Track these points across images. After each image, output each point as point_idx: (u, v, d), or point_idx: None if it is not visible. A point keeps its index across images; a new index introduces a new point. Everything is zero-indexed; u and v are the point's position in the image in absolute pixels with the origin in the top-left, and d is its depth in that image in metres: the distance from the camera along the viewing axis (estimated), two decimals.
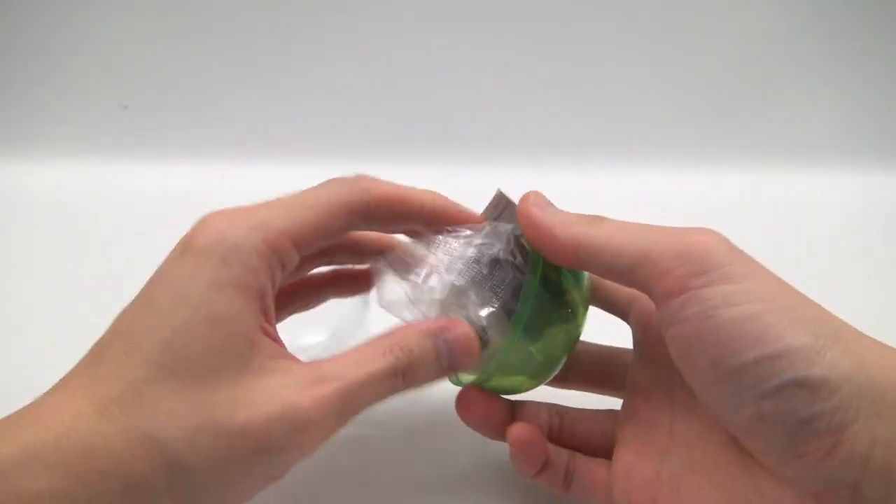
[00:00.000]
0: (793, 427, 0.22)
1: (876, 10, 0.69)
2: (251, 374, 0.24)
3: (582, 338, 0.32)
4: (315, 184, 0.29)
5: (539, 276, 0.28)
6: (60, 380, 0.25)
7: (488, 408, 0.31)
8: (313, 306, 0.36)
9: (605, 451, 0.32)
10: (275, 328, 0.27)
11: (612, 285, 0.33)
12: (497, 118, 0.71)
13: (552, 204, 0.29)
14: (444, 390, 0.35)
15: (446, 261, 0.28)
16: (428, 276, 0.28)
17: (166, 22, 0.68)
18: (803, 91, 0.71)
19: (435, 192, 0.31)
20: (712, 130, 0.72)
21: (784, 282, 0.24)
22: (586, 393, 0.35)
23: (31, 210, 0.63)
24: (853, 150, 0.71)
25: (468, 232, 0.29)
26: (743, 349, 0.23)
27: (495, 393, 0.32)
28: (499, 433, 0.31)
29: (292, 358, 0.26)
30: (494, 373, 0.30)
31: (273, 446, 0.24)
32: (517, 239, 0.30)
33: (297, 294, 0.35)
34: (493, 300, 0.28)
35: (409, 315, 0.29)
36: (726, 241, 0.25)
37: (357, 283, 0.36)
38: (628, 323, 0.33)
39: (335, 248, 0.34)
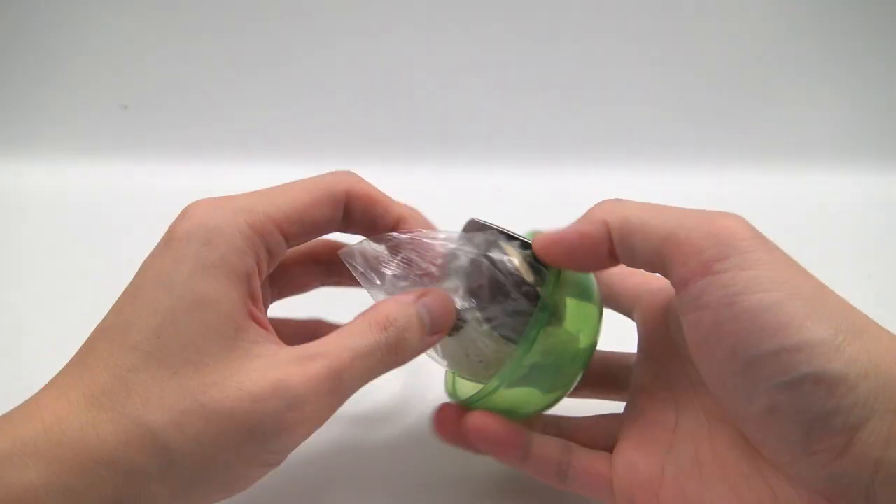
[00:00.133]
0: (807, 423, 0.22)
1: (876, 10, 0.69)
2: (237, 357, 0.24)
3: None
4: None
5: (551, 290, 0.28)
6: (54, 377, 0.25)
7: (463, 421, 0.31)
8: (302, 291, 0.35)
9: (607, 450, 0.31)
10: (263, 312, 0.27)
11: (618, 283, 0.33)
12: (497, 118, 0.71)
13: None
14: (443, 390, 0.35)
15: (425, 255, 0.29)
16: (402, 272, 0.29)
17: (166, 22, 0.68)
18: (803, 91, 0.71)
19: (414, 209, 0.31)
20: (712, 130, 0.72)
21: (807, 271, 0.24)
22: (587, 400, 0.35)
23: (31, 210, 0.63)
24: (853, 150, 0.71)
25: (444, 235, 0.30)
26: (762, 339, 0.22)
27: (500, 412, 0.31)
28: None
29: (278, 342, 0.26)
30: (499, 385, 0.29)
31: (265, 427, 0.23)
32: (492, 245, 0.29)
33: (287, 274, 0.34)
34: (473, 299, 0.28)
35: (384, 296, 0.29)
36: (752, 228, 0.25)
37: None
38: (633, 319, 0.33)
39: (325, 254, 0.34)
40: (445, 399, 0.35)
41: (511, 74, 0.70)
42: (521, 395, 0.30)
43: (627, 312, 0.33)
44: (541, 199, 0.64)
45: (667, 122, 0.72)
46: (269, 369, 0.24)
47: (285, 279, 0.33)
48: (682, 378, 0.29)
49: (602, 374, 0.34)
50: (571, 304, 0.30)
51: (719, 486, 0.26)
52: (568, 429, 0.32)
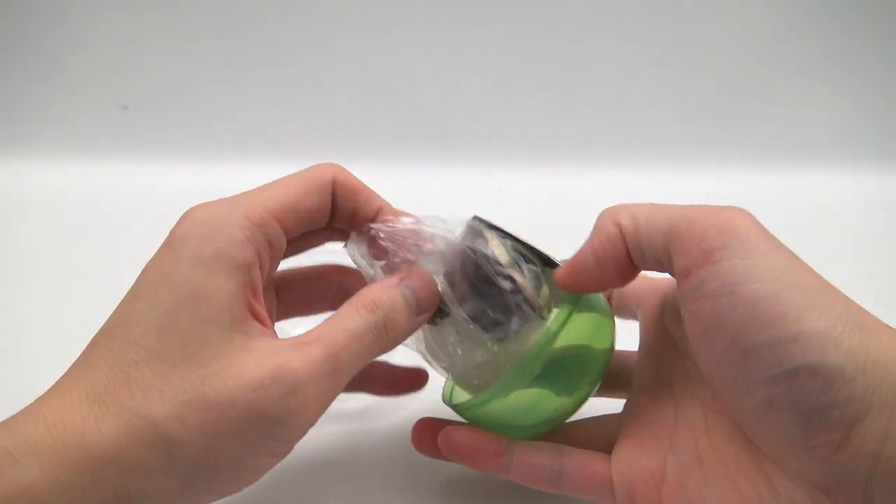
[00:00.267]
0: (803, 415, 0.22)
1: (876, 10, 0.69)
2: (236, 348, 0.24)
3: None
4: None
5: (569, 312, 0.28)
6: (58, 379, 0.25)
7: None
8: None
9: (604, 451, 0.31)
10: (263, 307, 0.27)
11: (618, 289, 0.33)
12: (497, 118, 0.71)
13: None
14: (440, 389, 0.35)
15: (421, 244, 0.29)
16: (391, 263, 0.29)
17: (166, 22, 0.68)
18: (803, 91, 0.71)
19: (396, 209, 0.31)
20: (712, 130, 0.72)
21: (808, 265, 0.24)
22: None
23: (31, 210, 0.63)
24: (853, 150, 0.71)
25: (427, 222, 0.30)
26: (759, 329, 0.22)
27: (493, 427, 0.31)
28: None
29: (274, 335, 0.26)
30: (497, 393, 0.28)
31: (268, 414, 0.23)
32: (476, 235, 0.29)
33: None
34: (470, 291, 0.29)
35: None
36: (756, 220, 0.25)
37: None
38: (636, 319, 0.33)
39: (334, 274, 0.34)
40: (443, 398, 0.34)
41: (511, 74, 0.70)
42: (530, 399, 0.29)
43: (632, 315, 0.33)
44: (541, 199, 0.64)
45: (667, 122, 0.72)
46: (268, 357, 0.24)
47: (294, 294, 0.34)
48: (680, 374, 0.29)
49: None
50: (586, 316, 0.30)
51: (719, 482, 0.26)
52: (563, 433, 0.32)
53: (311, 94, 0.70)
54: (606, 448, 0.31)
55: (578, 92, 0.71)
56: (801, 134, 0.72)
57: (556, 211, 0.58)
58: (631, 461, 0.29)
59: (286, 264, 0.32)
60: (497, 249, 0.28)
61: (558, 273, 0.29)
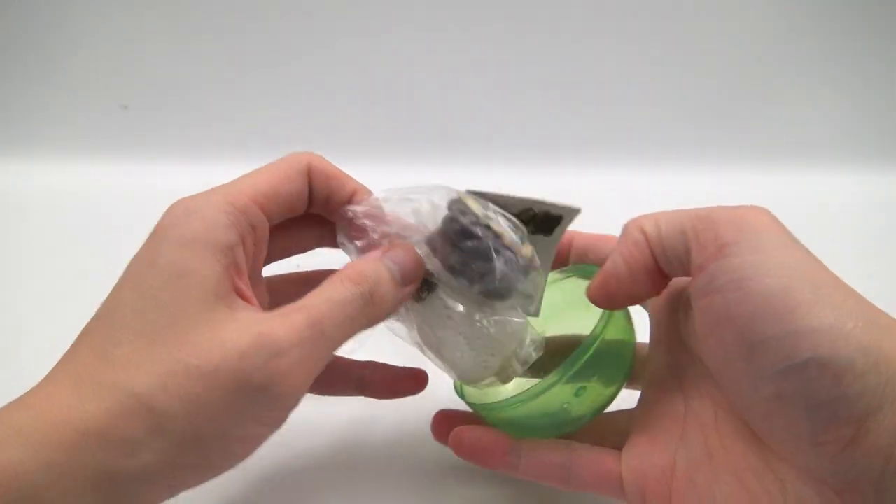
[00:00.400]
0: (812, 410, 0.22)
1: (876, 10, 0.69)
2: (219, 320, 0.24)
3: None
4: None
5: (606, 322, 0.29)
6: (48, 372, 0.25)
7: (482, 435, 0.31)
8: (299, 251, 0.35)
9: (615, 447, 0.31)
10: (249, 287, 0.27)
11: None
12: (497, 118, 0.71)
13: None
14: (441, 391, 0.35)
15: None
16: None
17: (166, 22, 0.68)
18: (803, 91, 0.71)
19: (370, 190, 0.31)
20: (712, 130, 0.72)
21: (819, 260, 0.24)
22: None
23: (31, 210, 0.63)
24: (853, 150, 0.71)
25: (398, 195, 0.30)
26: (768, 323, 0.22)
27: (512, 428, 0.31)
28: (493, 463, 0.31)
29: (258, 309, 0.26)
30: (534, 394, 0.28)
31: (253, 380, 0.23)
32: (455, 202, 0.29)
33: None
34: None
35: None
36: (773, 217, 0.25)
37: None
38: (647, 310, 0.33)
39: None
40: (446, 398, 0.34)
41: (511, 74, 0.70)
42: (563, 398, 0.29)
43: (643, 304, 0.33)
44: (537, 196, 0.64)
45: (667, 122, 0.72)
46: (251, 326, 0.24)
47: (286, 300, 0.34)
48: (690, 370, 0.29)
49: None
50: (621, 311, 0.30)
51: (728, 478, 0.26)
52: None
53: (311, 94, 0.70)
54: (618, 443, 0.31)
55: (578, 92, 0.71)
56: (801, 134, 0.72)
57: None
58: (642, 457, 0.29)
59: (277, 270, 0.32)
60: (473, 205, 0.29)
61: (591, 287, 0.29)
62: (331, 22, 0.68)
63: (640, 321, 0.33)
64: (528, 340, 0.30)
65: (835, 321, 0.22)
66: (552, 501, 0.35)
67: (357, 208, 0.30)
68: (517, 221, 0.29)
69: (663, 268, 0.28)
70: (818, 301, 0.22)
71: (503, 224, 0.28)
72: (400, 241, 0.29)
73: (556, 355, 0.30)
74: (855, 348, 0.21)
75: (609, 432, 0.32)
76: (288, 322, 0.25)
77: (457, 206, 0.28)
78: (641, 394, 0.32)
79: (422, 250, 0.29)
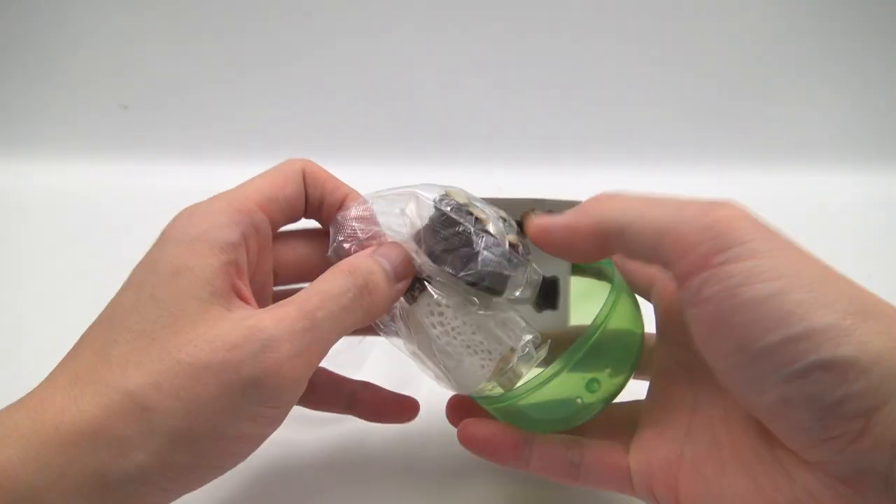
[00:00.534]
0: (819, 411, 0.21)
1: (876, 10, 0.69)
2: (213, 317, 0.24)
3: None
4: None
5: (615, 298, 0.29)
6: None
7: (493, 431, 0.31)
8: None
9: (624, 437, 0.31)
10: (248, 289, 0.27)
11: (632, 265, 0.33)
12: (497, 118, 0.71)
13: (554, 215, 0.29)
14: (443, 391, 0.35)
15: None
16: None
17: (166, 22, 0.68)
18: (803, 91, 0.71)
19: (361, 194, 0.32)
20: (712, 130, 0.72)
21: (811, 256, 0.23)
22: None
23: (31, 210, 0.63)
24: (853, 150, 0.71)
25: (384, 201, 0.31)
26: (766, 331, 0.22)
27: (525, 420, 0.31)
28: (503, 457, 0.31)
29: (255, 308, 0.26)
30: (541, 382, 0.28)
31: (244, 373, 0.23)
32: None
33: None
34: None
35: None
36: (751, 216, 0.24)
37: None
38: (650, 302, 0.33)
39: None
40: (447, 395, 0.34)
41: (511, 74, 0.70)
42: (570, 388, 0.29)
43: (645, 295, 0.33)
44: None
45: (667, 122, 0.72)
46: (243, 321, 0.24)
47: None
48: (697, 360, 0.29)
49: None
50: (627, 299, 0.30)
51: (736, 470, 0.25)
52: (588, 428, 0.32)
53: (312, 94, 0.70)
54: (625, 434, 0.31)
55: (578, 92, 0.71)
56: (801, 134, 0.72)
57: None
58: (650, 449, 0.29)
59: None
60: (458, 197, 0.29)
61: (532, 222, 0.29)
62: (331, 22, 0.68)
63: (648, 310, 0.33)
64: (526, 338, 0.29)
65: (833, 320, 0.21)
66: (555, 498, 0.35)
67: (346, 213, 0.30)
68: (506, 215, 0.29)
69: (615, 252, 0.27)
70: (814, 301, 0.22)
71: (487, 212, 0.29)
72: (389, 241, 0.29)
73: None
74: (857, 344, 0.21)
75: (617, 422, 0.32)
76: (279, 314, 0.25)
77: (443, 199, 0.29)
78: (650, 385, 0.32)
79: (410, 247, 0.29)
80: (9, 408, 0.23)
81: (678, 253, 0.24)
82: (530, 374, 0.30)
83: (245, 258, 0.27)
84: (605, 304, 0.29)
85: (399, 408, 0.35)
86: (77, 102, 0.69)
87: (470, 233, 0.28)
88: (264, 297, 0.30)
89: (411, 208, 0.29)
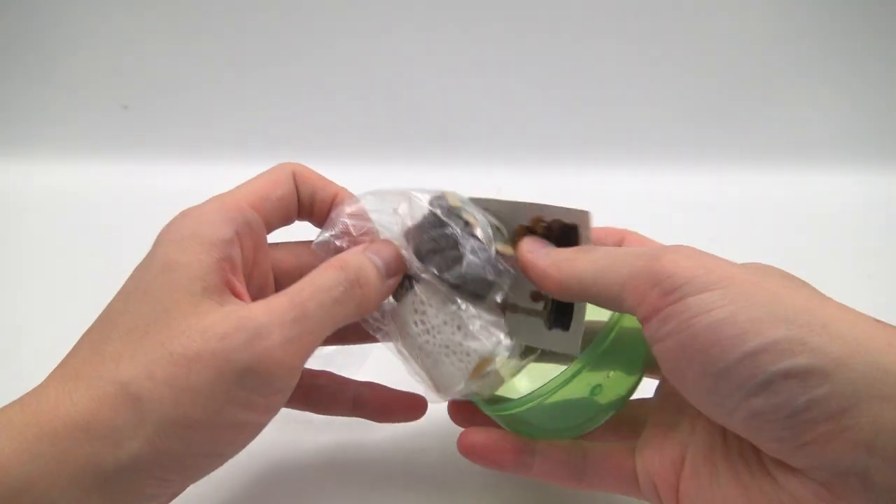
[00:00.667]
0: (788, 419, 0.22)
1: (876, 10, 0.69)
2: (205, 310, 0.24)
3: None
4: None
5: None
6: None
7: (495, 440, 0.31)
8: None
9: (632, 435, 0.31)
10: (243, 285, 0.27)
11: None
12: (497, 118, 0.71)
13: (546, 244, 0.29)
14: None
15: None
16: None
17: (166, 22, 0.68)
18: (803, 91, 0.71)
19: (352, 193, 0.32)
20: (712, 130, 0.72)
21: (762, 281, 0.24)
22: None
23: (31, 210, 0.63)
24: (853, 150, 0.71)
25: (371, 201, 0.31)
26: (724, 351, 0.23)
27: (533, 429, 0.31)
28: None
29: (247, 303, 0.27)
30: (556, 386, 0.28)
31: (234, 362, 0.24)
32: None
33: None
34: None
35: None
36: (698, 255, 0.25)
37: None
38: None
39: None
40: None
41: (511, 74, 0.70)
42: (584, 391, 0.29)
43: None
44: (541, 199, 0.63)
45: (667, 122, 0.72)
46: (234, 312, 0.25)
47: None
48: None
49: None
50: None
51: (726, 472, 0.26)
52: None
53: (312, 94, 0.70)
54: (632, 433, 0.31)
55: (578, 92, 0.71)
56: (801, 134, 0.72)
57: None
58: (656, 449, 0.29)
59: None
60: (452, 199, 0.29)
61: (521, 249, 0.29)
62: (330, 22, 0.68)
63: None
64: (504, 342, 0.29)
65: (786, 331, 0.22)
66: (555, 498, 0.35)
67: (341, 210, 0.31)
68: (500, 224, 0.30)
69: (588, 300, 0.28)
70: (766, 317, 0.22)
71: (478, 217, 0.29)
72: (381, 238, 0.30)
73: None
74: (814, 352, 0.22)
75: (624, 421, 0.32)
76: (270, 305, 0.25)
77: (437, 200, 0.29)
78: (659, 383, 0.32)
79: (401, 244, 0.29)
80: (4, 406, 0.24)
81: (636, 300, 0.25)
82: (537, 377, 0.30)
83: (239, 254, 0.27)
84: None
85: (406, 405, 0.35)
86: (77, 102, 0.69)
87: (457, 235, 0.28)
88: (263, 295, 0.31)
89: (404, 208, 0.30)
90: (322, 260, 0.28)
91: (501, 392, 0.31)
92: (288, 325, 0.25)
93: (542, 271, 0.28)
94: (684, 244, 0.26)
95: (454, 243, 0.28)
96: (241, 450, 0.26)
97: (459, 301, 0.29)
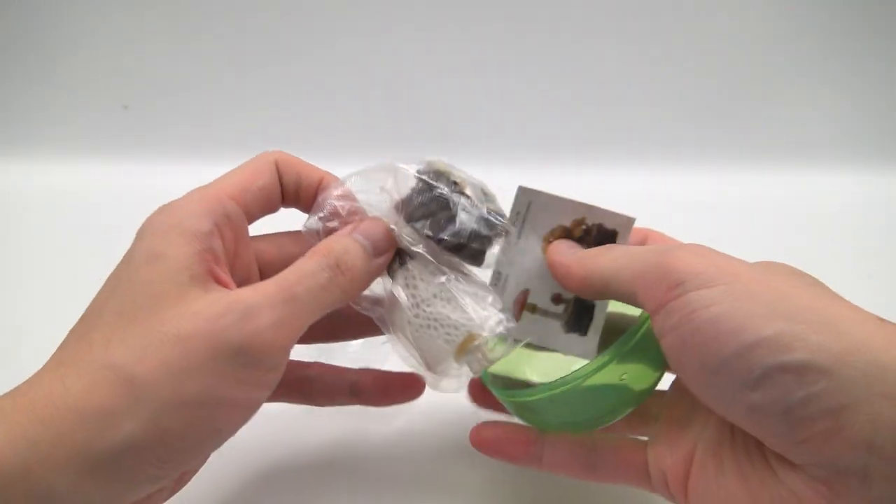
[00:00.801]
0: (785, 413, 0.22)
1: (876, 10, 0.69)
2: (194, 297, 0.25)
3: None
4: None
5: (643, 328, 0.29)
6: None
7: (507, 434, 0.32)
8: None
9: (646, 426, 0.32)
10: (228, 275, 0.27)
11: None
12: (497, 118, 0.71)
13: (573, 245, 0.31)
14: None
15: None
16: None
17: (166, 22, 0.68)
18: (803, 91, 0.71)
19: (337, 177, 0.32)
20: (712, 130, 0.72)
21: (769, 279, 0.25)
22: None
23: (31, 210, 0.63)
24: (853, 150, 0.71)
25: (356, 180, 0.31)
26: (723, 345, 0.23)
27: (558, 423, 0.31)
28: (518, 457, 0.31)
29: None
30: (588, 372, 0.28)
31: (227, 340, 0.24)
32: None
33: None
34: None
35: None
36: (709, 252, 0.26)
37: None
38: None
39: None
40: (448, 398, 0.34)
41: (512, 74, 0.70)
42: (611, 381, 0.29)
43: None
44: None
45: (667, 122, 0.72)
46: (223, 297, 0.25)
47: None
48: None
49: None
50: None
51: (731, 467, 0.26)
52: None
53: (312, 94, 0.70)
54: (644, 426, 0.32)
55: (578, 92, 0.71)
56: (801, 134, 0.72)
57: None
58: (669, 442, 0.29)
59: None
60: (437, 165, 0.29)
61: (550, 248, 0.31)
62: (331, 22, 0.68)
63: None
64: (495, 315, 0.29)
65: (785, 326, 0.22)
66: (556, 497, 0.35)
67: (329, 192, 0.31)
68: (488, 189, 0.30)
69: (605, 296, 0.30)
70: (766, 313, 0.23)
71: (465, 177, 0.29)
72: (369, 217, 0.30)
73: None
74: (811, 348, 0.22)
75: (635, 413, 0.32)
76: (259, 289, 0.26)
77: (424, 167, 0.29)
78: (674, 379, 0.33)
79: (391, 219, 0.29)
80: (2, 396, 0.24)
81: (645, 295, 0.26)
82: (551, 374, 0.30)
83: (220, 246, 0.27)
84: None
85: (403, 385, 0.36)
86: (77, 102, 0.69)
87: (447, 195, 0.28)
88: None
89: (390, 183, 0.30)
90: (311, 245, 0.29)
91: (520, 377, 0.32)
92: (277, 306, 0.25)
93: (567, 268, 0.29)
94: (699, 243, 0.27)
95: (445, 203, 0.28)
96: (239, 428, 0.26)
97: (449, 272, 0.29)
